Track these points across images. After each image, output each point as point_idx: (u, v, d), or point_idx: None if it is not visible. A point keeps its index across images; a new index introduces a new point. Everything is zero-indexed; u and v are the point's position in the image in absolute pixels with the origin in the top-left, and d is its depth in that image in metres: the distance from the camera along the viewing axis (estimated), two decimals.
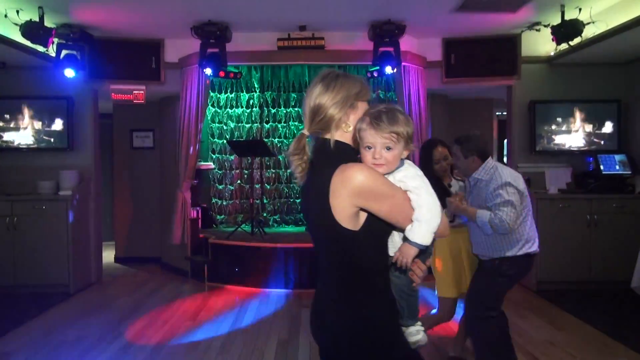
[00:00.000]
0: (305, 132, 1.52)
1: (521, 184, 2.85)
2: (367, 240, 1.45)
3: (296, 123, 6.79)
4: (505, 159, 6.17)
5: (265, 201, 6.83)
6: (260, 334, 4.05)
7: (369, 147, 1.45)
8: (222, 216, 6.78)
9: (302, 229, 6.52)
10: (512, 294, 5.12)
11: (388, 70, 5.20)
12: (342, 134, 1.50)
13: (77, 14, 4.80)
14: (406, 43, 5.45)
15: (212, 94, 6.60)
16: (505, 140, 6.24)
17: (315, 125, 1.49)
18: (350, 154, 1.51)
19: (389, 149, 1.44)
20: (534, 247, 2.90)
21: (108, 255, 6.86)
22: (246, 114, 6.78)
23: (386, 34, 5.08)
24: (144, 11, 4.77)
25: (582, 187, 5.40)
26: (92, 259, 5.77)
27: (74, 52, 5.15)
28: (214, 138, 6.77)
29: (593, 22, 4.60)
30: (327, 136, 1.49)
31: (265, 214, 6.80)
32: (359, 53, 5.46)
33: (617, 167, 5.34)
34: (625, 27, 4.28)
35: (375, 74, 5.57)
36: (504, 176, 2.80)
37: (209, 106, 6.58)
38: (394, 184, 1.46)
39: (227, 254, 5.56)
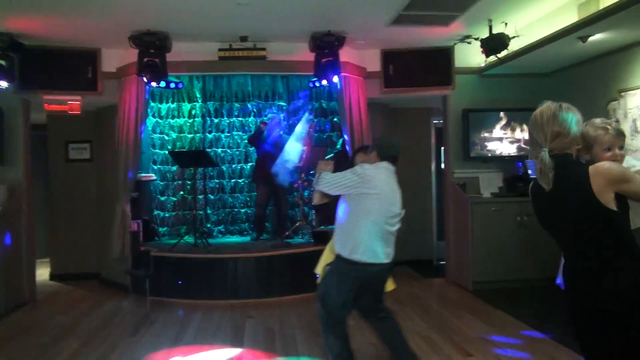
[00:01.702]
0: (545, 149, 1.91)
1: (372, 186, 2.87)
2: (623, 216, 1.86)
3: (240, 133, 6.78)
4: (442, 165, 6.44)
5: (209, 212, 6.76)
6: (204, 346, 4.01)
7: (609, 149, 2.08)
8: (165, 228, 6.64)
9: (247, 238, 6.50)
10: (449, 294, 5.41)
11: (329, 80, 5.32)
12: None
13: (7, 22, 4.60)
14: (346, 54, 5.60)
15: (152, 104, 6.49)
16: (442, 148, 6.52)
17: (556, 144, 1.91)
18: (579, 160, 2.05)
19: (621, 148, 2.12)
20: (361, 256, 2.85)
21: (43, 273, 6.55)
22: (188, 124, 6.71)
23: (326, 45, 5.21)
24: (81, 20, 4.65)
25: (512, 191, 5.73)
26: (25, 277, 5.48)
27: (2, 62, 4.92)
28: (155, 149, 6.63)
29: (518, 36, 4.92)
30: (568, 151, 1.94)
31: (209, 225, 6.72)
32: (300, 63, 5.56)
33: None
34: (547, 41, 4.61)
35: (317, 84, 5.69)
36: (367, 169, 2.91)
37: (150, 116, 6.46)
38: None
39: (169, 267, 5.45)
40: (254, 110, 6.81)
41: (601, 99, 5.11)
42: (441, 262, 6.62)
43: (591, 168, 1.84)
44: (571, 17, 4.34)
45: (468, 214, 5.55)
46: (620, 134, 2.17)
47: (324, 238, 5.68)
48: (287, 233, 6.07)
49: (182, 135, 6.68)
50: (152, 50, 4.99)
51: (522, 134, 5.96)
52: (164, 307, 5.11)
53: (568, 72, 5.67)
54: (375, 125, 6.55)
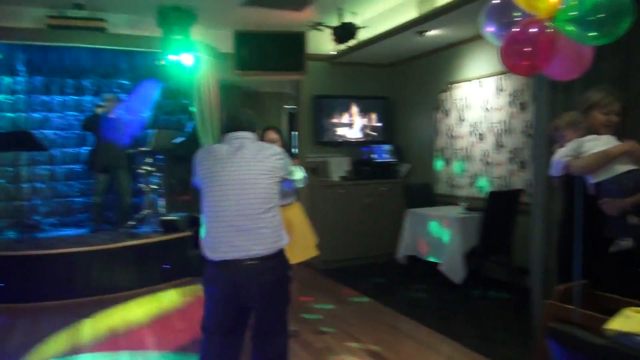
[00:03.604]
0: None
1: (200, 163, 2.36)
2: None
3: (75, 113, 6.06)
4: (296, 150, 6.55)
5: (38, 202, 5.94)
6: (30, 353, 3.52)
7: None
8: None
9: (86, 230, 5.86)
10: (299, 275, 5.54)
11: (178, 59, 5.01)
12: None
13: None
14: (197, 32, 5.32)
15: None
16: (296, 133, 6.62)
17: None
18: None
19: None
20: (208, 253, 2.25)
21: None
22: (10, 101, 5.78)
23: (176, 21, 4.89)
24: None
25: (359, 174, 6.07)
26: None
27: None
28: None
29: (365, 27, 5.18)
30: None
31: (37, 217, 5.91)
32: (146, 39, 5.14)
33: (386, 156, 6.15)
34: (390, 33, 4.93)
35: (163, 63, 5.31)
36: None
37: None
38: None
39: None
40: (93, 88, 6.13)
41: (434, 90, 5.66)
42: None
43: None
44: (412, 13, 4.69)
45: (318, 196, 5.74)
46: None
47: (173, 227, 5.40)
48: (131, 223, 5.63)
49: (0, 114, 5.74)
50: None
51: (368, 120, 6.32)
52: None
53: (407, 64, 6.16)
54: (227, 108, 6.39)
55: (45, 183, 6.00)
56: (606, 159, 2.38)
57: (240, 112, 2.53)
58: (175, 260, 5.25)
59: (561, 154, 2.53)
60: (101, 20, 4.84)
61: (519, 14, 2.26)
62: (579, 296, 2.11)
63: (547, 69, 2.40)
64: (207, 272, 2.30)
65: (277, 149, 2.42)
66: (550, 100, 3.15)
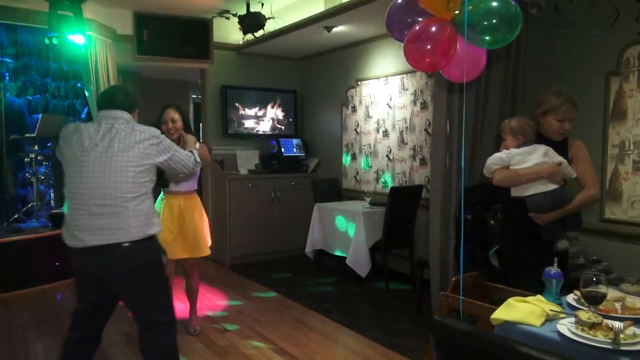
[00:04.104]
0: None
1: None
2: None
3: None
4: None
5: None
6: None
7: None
8: None
9: None
10: (206, 271, 5.38)
11: (68, 38, 4.57)
12: None
13: None
14: (91, 10, 4.91)
15: None
16: (201, 124, 6.38)
17: None
18: None
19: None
20: (66, 239, 2.19)
21: None
22: None
23: None
24: None
25: (267, 168, 5.99)
26: None
27: None
28: None
29: (273, 18, 5.08)
30: None
31: None
32: (31, 13, 4.63)
33: (295, 150, 6.12)
34: (297, 26, 4.88)
35: (54, 42, 4.83)
36: None
37: None
38: None
39: None
40: None
41: (343, 86, 5.72)
42: None
43: None
44: (319, 7, 4.68)
45: (226, 190, 5.58)
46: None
47: (61, 220, 4.95)
48: (16, 216, 5.10)
49: None
50: None
51: (276, 113, 6.25)
52: None
53: (316, 59, 6.17)
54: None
55: None
56: (518, 180, 2.44)
57: (117, 88, 2.39)
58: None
59: (493, 160, 2.54)
60: None
61: (421, 14, 2.32)
62: (465, 287, 2.23)
63: (445, 68, 2.49)
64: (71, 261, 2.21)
65: (151, 132, 2.22)
66: (447, 100, 3.29)
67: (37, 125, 5.10)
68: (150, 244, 2.21)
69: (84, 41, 4.72)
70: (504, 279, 2.64)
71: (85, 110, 5.79)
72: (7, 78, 5.50)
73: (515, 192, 2.51)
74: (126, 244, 2.11)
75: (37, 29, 4.86)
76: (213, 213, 5.82)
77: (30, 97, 5.68)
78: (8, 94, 5.30)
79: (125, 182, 2.11)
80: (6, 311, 4.07)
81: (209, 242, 3.48)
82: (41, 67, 5.79)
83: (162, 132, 2.42)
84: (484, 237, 3.12)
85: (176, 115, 3.18)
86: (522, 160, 2.46)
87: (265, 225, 5.77)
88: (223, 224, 5.64)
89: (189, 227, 3.31)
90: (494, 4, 2.15)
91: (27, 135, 5.25)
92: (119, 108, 2.23)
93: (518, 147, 2.51)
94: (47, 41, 5.00)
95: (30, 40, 5.60)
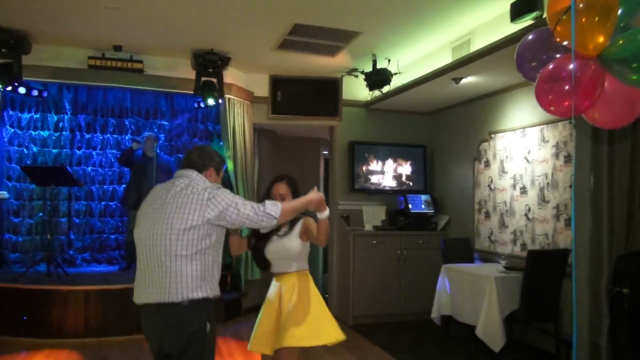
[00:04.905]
0: None
1: None
2: None
3: (114, 151, 6.20)
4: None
5: (72, 237, 6.02)
6: None
7: None
8: (17, 255, 5.79)
9: (116, 267, 5.87)
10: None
11: (210, 101, 5.05)
12: None
13: None
14: (232, 76, 5.38)
15: (11, 112, 5.75)
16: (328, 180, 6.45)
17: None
18: None
19: None
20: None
21: None
22: (54, 137, 6.00)
23: (209, 64, 4.96)
24: None
25: (393, 224, 5.77)
26: None
27: None
28: (11, 163, 5.82)
29: (400, 73, 5.04)
30: None
31: (71, 252, 5.98)
32: (181, 81, 5.22)
33: (423, 207, 5.84)
34: (424, 80, 4.75)
35: (201, 105, 5.38)
36: None
37: (7, 126, 5.71)
38: None
39: (13, 300, 4.67)
40: (132, 128, 6.29)
41: (475, 139, 5.37)
42: (325, 296, 6.46)
43: None
44: (446, 59, 4.51)
45: (350, 246, 5.47)
46: None
47: None
48: None
49: (45, 149, 5.96)
50: (5, 50, 4.37)
51: (404, 168, 6.08)
52: (4, 347, 4.32)
53: (446, 112, 5.93)
54: (261, 152, 6.37)
55: (80, 218, 6.09)
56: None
57: (195, 148, 2.42)
58: None
59: None
60: (139, 62, 4.97)
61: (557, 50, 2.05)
62: None
63: (589, 111, 2.14)
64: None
65: (203, 187, 2.11)
66: (592, 150, 2.82)
67: None
68: (197, 308, 2.05)
69: (226, 104, 5.17)
70: None
71: (224, 167, 6.25)
72: (162, 139, 6.22)
73: None
74: (167, 305, 2.02)
75: (187, 95, 5.42)
76: (337, 269, 5.72)
77: (180, 155, 6.32)
78: (162, 153, 5.95)
79: (169, 240, 2.03)
80: (139, 350, 4.34)
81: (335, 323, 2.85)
82: (191, 128, 6.45)
83: None
84: None
85: (284, 190, 2.79)
86: None
87: (390, 284, 5.49)
88: (346, 281, 5.50)
89: (302, 308, 2.79)
90: None
91: None
92: (190, 167, 2.22)
93: None
94: (195, 104, 5.61)
95: (183, 104, 6.31)
